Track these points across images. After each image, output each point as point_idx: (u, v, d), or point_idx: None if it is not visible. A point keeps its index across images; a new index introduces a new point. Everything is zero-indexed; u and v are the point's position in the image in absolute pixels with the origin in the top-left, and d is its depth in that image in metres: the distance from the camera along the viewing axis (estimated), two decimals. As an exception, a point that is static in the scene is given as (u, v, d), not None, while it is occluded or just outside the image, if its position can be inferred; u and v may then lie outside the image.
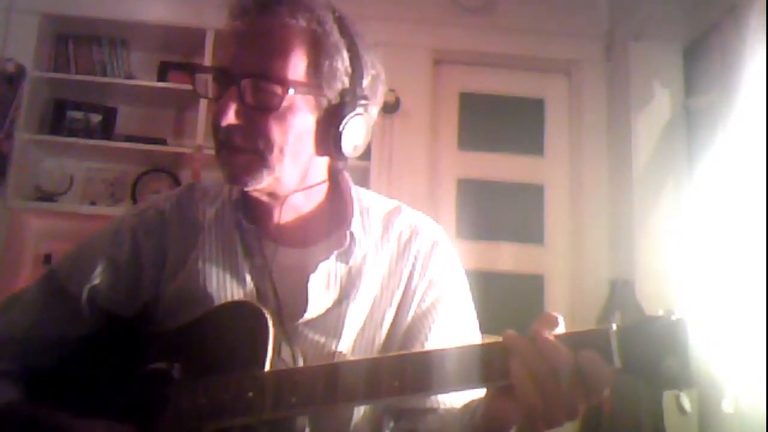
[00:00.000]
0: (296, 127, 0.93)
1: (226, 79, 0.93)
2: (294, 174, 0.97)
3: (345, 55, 0.95)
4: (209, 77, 0.98)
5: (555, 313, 0.76)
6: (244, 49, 0.93)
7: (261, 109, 0.91)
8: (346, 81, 0.95)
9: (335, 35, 0.95)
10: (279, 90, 0.91)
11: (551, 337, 0.74)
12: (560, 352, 0.73)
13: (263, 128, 0.92)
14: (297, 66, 0.92)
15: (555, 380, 0.72)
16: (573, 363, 0.72)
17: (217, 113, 0.91)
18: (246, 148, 0.93)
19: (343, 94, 0.95)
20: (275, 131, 0.92)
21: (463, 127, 3.41)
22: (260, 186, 0.95)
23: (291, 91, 0.91)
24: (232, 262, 1.01)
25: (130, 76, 3.37)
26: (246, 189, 0.96)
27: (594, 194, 3.27)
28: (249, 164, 0.93)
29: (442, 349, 0.80)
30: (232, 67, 0.92)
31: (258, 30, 0.93)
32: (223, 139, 0.94)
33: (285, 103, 0.91)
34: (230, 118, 0.91)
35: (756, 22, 2.40)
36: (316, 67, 0.93)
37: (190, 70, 1.01)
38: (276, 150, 0.93)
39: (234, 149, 0.93)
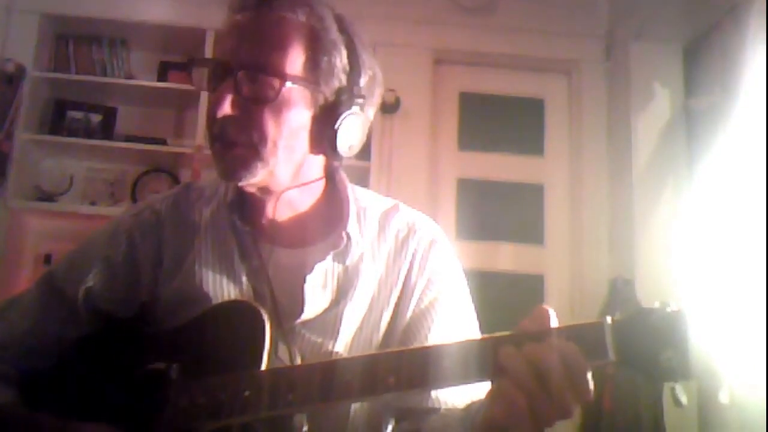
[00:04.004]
0: (291, 121, 0.93)
1: (223, 71, 0.92)
2: (288, 169, 0.96)
3: (343, 52, 0.95)
4: (208, 72, 0.98)
5: (546, 306, 0.75)
6: (242, 42, 0.92)
7: (256, 101, 0.91)
8: (344, 79, 0.95)
9: (334, 32, 0.94)
10: (275, 82, 0.90)
11: (537, 338, 0.73)
12: (544, 355, 0.71)
13: (258, 120, 0.91)
14: (294, 60, 0.92)
15: (540, 382, 0.70)
16: (558, 363, 0.71)
17: (213, 104, 0.91)
18: (240, 141, 0.92)
19: (339, 91, 0.95)
20: (270, 124, 0.91)
21: (463, 127, 3.41)
22: (254, 180, 0.94)
23: (287, 84, 0.91)
24: (228, 264, 1.01)
25: (130, 76, 3.37)
26: (240, 183, 0.95)
27: (594, 194, 3.27)
28: (243, 158, 0.92)
29: (437, 345, 0.80)
30: (230, 59, 0.92)
31: (256, 23, 0.93)
32: (217, 132, 0.93)
33: (280, 96, 0.91)
34: (226, 109, 0.90)
35: (756, 22, 2.40)
36: (313, 62, 0.93)
37: (188, 64, 1.00)
38: (270, 143, 0.92)
39: (228, 143, 0.93)
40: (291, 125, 0.93)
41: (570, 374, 0.71)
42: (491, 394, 0.77)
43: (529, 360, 0.71)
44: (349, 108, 0.95)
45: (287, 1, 0.93)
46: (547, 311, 0.75)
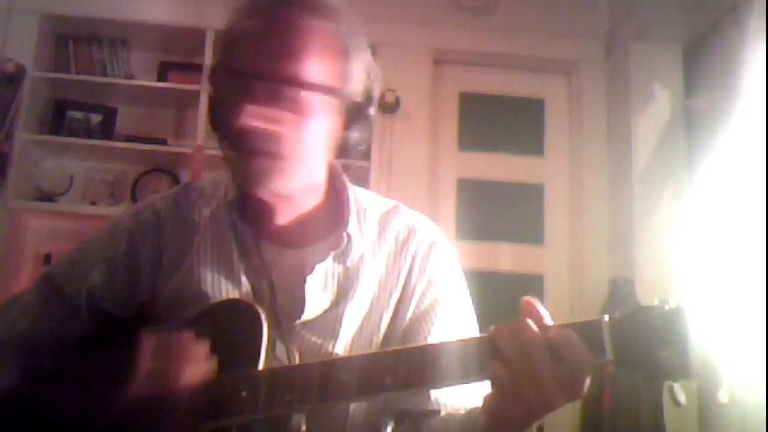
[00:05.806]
0: (317, 131, 0.92)
1: (246, 80, 0.89)
2: (303, 176, 0.96)
3: (366, 57, 0.95)
4: (210, 72, 0.97)
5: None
6: (264, 49, 0.90)
7: (282, 113, 0.89)
8: (367, 83, 0.95)
9: (358, 37, 0.94)
10: (300, 94, 0.89)
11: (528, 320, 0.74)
12: (529, 330, 0.73)
13: (283, 132, 0.90)
14: (320, 69, 0.90)
15: (525, 358, 0.71)
16: (542, 340, 0.72)
17: (235, 115, 0.89)
18: (266, 152, 0.90)
19: (362, 96, 0.95)
20: (294, 136, 0.90)
21: (463, 127, 3.41)
22: (276, 189, 0.94)
23: (313, 94, 0.90)
24: (228, 263, 1.00)
25: (130, 76, 3.37)
26: (260, 192, 0.95)
27: (594, 194, 3.27)
28: (267, 169, 0.91)
29: (433, 344, 0.80)
30: (254, 68, 0.89)
31: (280, 30, 0.90)
32: (240, 142, 0.90)
33: (306, 108, 0.90)
34: (248, 119, 0.88)
35: (756, 22, 2.40)
36: (338, 70, 0.92)
37: (213, 72, 0.96)
38: (294, 155, 0.91)
39: (252, 153, 0.90)
40: (316, 136, 0.92)
41: (553, 349, 0.72)
42: (492, 397, 0.77)
43: (514, 333, 0.73)
44: (368, 110, 0.96)
45: (310, 7, 0.91)
46: (528, 300, 0.77)
